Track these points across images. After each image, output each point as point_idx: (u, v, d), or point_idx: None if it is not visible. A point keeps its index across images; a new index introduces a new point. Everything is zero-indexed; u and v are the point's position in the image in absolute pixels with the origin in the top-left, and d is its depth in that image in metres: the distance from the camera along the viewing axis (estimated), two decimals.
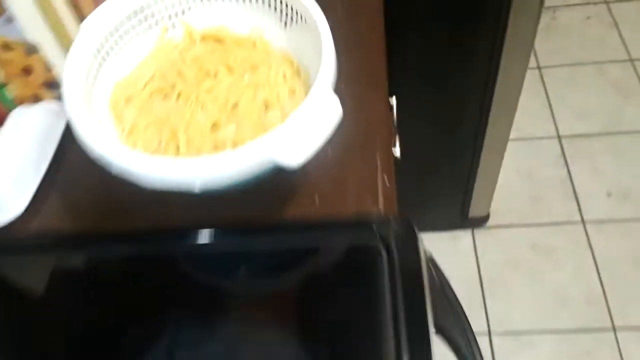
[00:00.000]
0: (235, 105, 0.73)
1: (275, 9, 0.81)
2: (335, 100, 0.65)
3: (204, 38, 0.82)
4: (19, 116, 0.82)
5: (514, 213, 1.88)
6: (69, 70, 0.70)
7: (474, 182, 1.68)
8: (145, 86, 0.77)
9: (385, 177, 0.72)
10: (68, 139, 0.83)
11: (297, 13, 0.77)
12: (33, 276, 0.75)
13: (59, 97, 0.88)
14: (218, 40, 0.82)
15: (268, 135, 0.62)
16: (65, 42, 0.84)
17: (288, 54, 0.80)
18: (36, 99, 0.88)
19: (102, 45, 0.76)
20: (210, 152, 0.69)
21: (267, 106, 0.74)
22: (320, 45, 0.69)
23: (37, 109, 0.82)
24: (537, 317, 1.68)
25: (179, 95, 0.75)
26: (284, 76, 0.76)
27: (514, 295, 1.73)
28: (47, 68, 0.85)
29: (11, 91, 0.86)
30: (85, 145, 0.63)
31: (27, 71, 0.85)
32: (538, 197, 1.91)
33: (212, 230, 0.73)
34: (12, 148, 0.78)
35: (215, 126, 0.72)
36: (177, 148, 0.70)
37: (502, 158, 1.63)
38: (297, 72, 0.78)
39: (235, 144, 0.70)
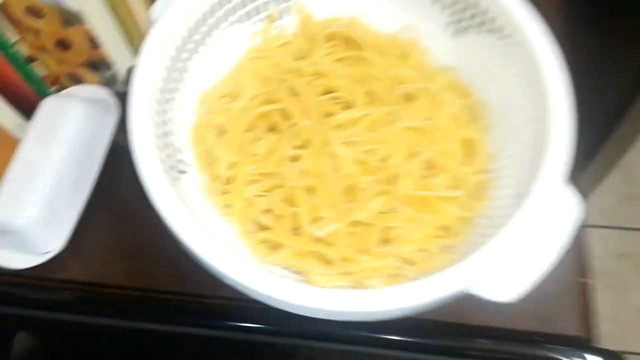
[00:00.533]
0: (384, 160, 0.48)
1: (444, 4, 0.54)
2: (572, 200, 0.42)
3: (330, 37, 0.55)
4: (52, 110, 0.56)
5: None
6: (139, 88, 0.44)
7: None
8: (241, 109, 0.52)
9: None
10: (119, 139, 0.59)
11: (485, 15, 0.51)
12: None
13: (105, 81, 0.62)
14: (350, 42, 0.55)
15: (464, 263, 0.39)
16: (120, 12, 0.57)
17: (457, 77, 0.54)
18: (74, 79, 0.62)
19: (180, 48, 0.49)
20: (343, 241, 0.46)
21: (430, 166, 0.49)
22: (536, 84, 0.45)
23: (76, 102, 0.57)
24: None
25: (292, 126, 0.50)
26: (455, 118, 0.51)
27: None
28: (93, 44, 0.58)
29: (40, 68, 0.59)
30: (173, 233, 0.40)
31: (63, 45, 0.58)
32: None
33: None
34: (44, 159, 0.54)
35: (351, 191, 0.48)
36: (293, 230, 0.47)
37: None
38: (473, 110, 0.53)
39: (384, 233, 0.46)
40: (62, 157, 0.54)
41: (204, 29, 0.51)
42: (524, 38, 0.47)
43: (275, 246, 0.46)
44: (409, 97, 0.51)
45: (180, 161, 0.48)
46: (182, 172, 0.47)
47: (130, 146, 0.42)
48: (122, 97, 0.59)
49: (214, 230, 0.45)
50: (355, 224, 0.46)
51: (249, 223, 0.48)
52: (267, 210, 0.48)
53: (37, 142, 0.55)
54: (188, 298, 0.51)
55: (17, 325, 0.54)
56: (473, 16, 0.52)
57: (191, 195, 0.47)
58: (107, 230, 0.56)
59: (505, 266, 0.40)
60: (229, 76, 0.53)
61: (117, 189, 0.56)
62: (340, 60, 0.54)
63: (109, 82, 0.62)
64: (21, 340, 0.54)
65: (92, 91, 0.61)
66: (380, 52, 0.54)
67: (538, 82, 0.45)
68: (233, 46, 0.55)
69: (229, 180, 0.48)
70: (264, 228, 0.47)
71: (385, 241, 0.47)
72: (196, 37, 0.51)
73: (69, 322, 0.53)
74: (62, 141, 0.55)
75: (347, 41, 0.55)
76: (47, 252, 0.54)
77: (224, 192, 0.48)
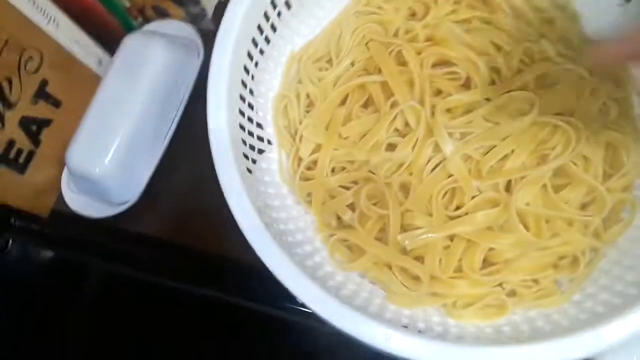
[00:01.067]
0: (502, 161, 0.39)
1: None
2: None
3: None
4: (135, 48, 0.52)
5: None
6: (222, 52, 0.38)
7: None
8: (336, 77, 0.44)
9: None
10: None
11: None
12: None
13: (192, 18, 0.55)
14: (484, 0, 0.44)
15: (599, 330, 0.30)
16: None
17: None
18: (159, 12, 0.56)
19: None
20: (435, 257, 0.38)
21: (559, 174, 0.39)
22: None
23: (160, 41, 0.52)
24: None
25: (393, 105, 0.41)
26: (602, 115, 0.40)
27: None
28: None
29: None
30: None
31: None
32: None
33: None
34: (125, 102, 0.50)
35: (454, 196, 0.40)
36: (378, 232, 0.40)
37: None
38: (625, 106, 0.41)
39: (487, 253, 0.38)
40: (143, 101, 0.50)
41: None
42: None
43: (355, 248, 0.40)
44: (545, 81, 0.41)
45: (260, 138, 0.42)
46: (261, 151, 0.41)
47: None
48: (209, 36, 0.53)
49: (288, 225, 0.39)
50: (453, 237, 0.39)
51: (330, 216, 0.41)
52: (351, 206, 0.41)
53: (119, 82, 0.51)
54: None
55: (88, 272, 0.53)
56: None
57: (267, 179, 0.41)
58: (183, 185, 0.53)
59: None
60: (326, 35, 0.45)
61: (197, 139, 0.51)
62: (463, 22, 0.43)
63: (196, 19, 0.56)
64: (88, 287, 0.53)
65: (177, 27, 0.56)
66: (518, 15, 0.43)
67: None
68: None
69: (311, 164, 0.42)
70: (345, 226, 0.41)
71: (487, 263, 0.39)
72: None
73: (135, 277, 0.52)
74: (143, 84, 0.50)
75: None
76: (122, 203, 0.52)
77: (305, 178, 0.42)
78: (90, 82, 0.54)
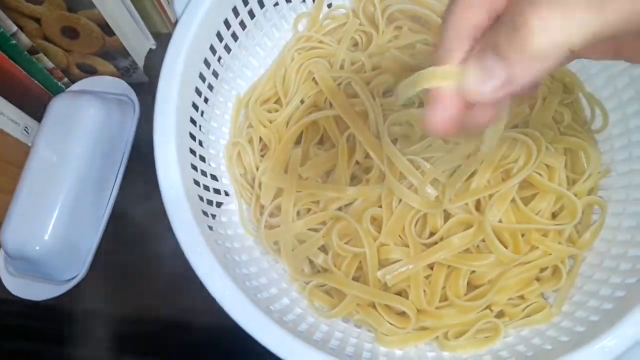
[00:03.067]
0: (467, 181, 0.38)
1: None
2: None
3: (393, 17, 0.44)
4: (64, 108, 0.48)
5: None
6: (164, 107, 0.35)
7: None
8: (287, 123, 0.42)
9: None
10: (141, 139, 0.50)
11: None
12: None
13: (122, 72, 0.52)
14: (419, 22, 0.44)
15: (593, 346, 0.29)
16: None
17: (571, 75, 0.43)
18: (85, 70, 0.53)
19: (212, 47, 0.39)
20: (419, 289, 0.37)
21: (525, 185, 0.39)
22: None
23: (91, 98, 0.48)
24: None
25: (349, 138, 0.40)
26: (557, 120, 0.40)
27: None
28: (105, 30, 0.49)
29: (44, 60, 0.51)
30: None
31: (70, 33, 0.49)
32: None
33: None
34: (60, 169, 0.46)
35: (426, 222, 0.39)
36: (356, 271, 0.38)
37: None
38: (577, 110, 0.42)
39: (469, 276, 0.37)
40: (79, 166, 0.46)
41: (238, 19, 0.41)
42: None
43: (334, 292, 0.38)
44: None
45: (216, 191, 0.39)
46: (219, 204, 0.39)
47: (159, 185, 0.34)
48: (143, 88, 0.51)
49: (260, 279, 0.36)
50: (433, 266, 0.37)
51: (302, 262, 0.39)
52: (323, 248, 0.39)
53: (49, 149, 0.47)
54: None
55: None
56: None
57: (230, 233, 0.38)
58: (134, 250, 0.49)
59: None
60: (271, 75, 0.43)
61: (143, 198, 0.48)
62: (407, 47, 0.43)
63: (127, 72, 0.53)
64: None
65: (107, 83, 0.53)
66: None
67: None
68: (273, 37, 0.44)
69: (275, 210, 0.40)
70: (320, 270, 0.39)
71: (471, 287, 0.38)
72: (231, 30, 0.41)
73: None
74: (77, 148, 0.47)
75: (414, 20, 0.44)
76: (69, 280, 0.47)
77: (270, 226, 0.39)
78: (17, 153, 0.49)
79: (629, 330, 0.29)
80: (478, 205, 0.38)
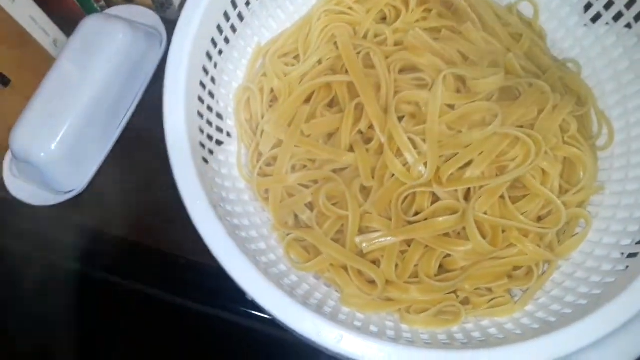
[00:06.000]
0: (462, 169, 0.39)
1: None
2: None
3: (423, 1, 0.44)
4: (94, 29, 0.49)
5: None
6: (183, 38, 0.36)
7: None
8: (302, 74, 0.43)
9: None
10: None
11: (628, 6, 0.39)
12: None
13: (158, 4, 0.54)
14: (450, 9, 0.44)
15: (550, 337, 0.30)
16: None
17: (576, 75, 0.43)
18: None
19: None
20: (392, 262, 0.38)
21: (517, 185, 0.39)
22: None
23: (122, 24, 0.49)
24: None
25: (358, 107, 0.41)
26: (562, 129, 0.41)
27: None
28: None
29: None
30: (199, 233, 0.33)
31: None
32: None
33: None
34: (78, 86, 0.47)
35: (413, 201, 0.39)
36: (335, 234, 0.39)
37: None
38: (585, 123, 0.42)
39: (443, 259, 0.38)
40: (98, 87, 0.47)
41: None
42: None
43: (311, 248, 0.39)
44: (509, 93, 0.41)
45: (220, 130, 0.40)
46: (219, 142, 0.40)
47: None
48: (174, 26, 0.52)
49: (243, 220, 0.38)
50: (411, 242, 0.38)
51: (287, 215, 0.40)
52: (310, 205, 0.40)
53: (73, 64, 0.48)
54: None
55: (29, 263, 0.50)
56: (610, 3, 0.40)
57: (224, 172, 0.39)
58: (133, 178, 0.50)
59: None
60: (295, 30, 0.44)
61: (151, 131, 0.49)
62: (433, 30, 0.43)
63: (162, 7, 0.54)
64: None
65: (141, 14, 0.54)
66: (486, 28, 0.43)
67: None
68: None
69: (271, 160, 0.41)
70: (303, 225, 0.40)
71: (442, 270, 0.38)
72: None
73: (80, 271, 0.49)
74: (99, 68, 0.48)
75: (446, 5, 0.45)
76: (67, 192, 0.49)
77: (264, 174, 0.40)
78: (43, 63, 0.51)
79: (577, 335, 0.30)
80: (467, 195, 0.39)
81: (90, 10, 0.54)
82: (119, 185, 0.51)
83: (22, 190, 0.50)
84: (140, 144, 0.51)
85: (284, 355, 0.47)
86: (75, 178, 0.49)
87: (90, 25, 0.49)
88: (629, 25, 0.39)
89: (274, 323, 0.32)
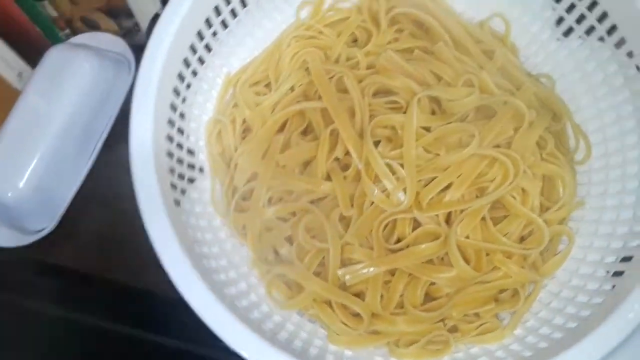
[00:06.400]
0: (442, 192, 0.38)
1: None
2: None
3: (396, 20, 0.44)
4: (60, 59, 0.47)
5: None
6: (148, 75, 0.35)
7: None
8: (275, 103, 0.42)
9: None
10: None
11: (600, 20, 0.39)
12: None
13: (124, 32, 0.52)
14: (421, 29, 0.44)
15: None
16: None
17: (550, 91, 0.43)
18: (88, 25, 0.52)
19: (209, 21, 0.39)
20: (376, 293, 0.37)
21: (497, 205, 0.39)
22: None
23: (88, 53, 0.48)
24: None
25: (333, 133, 0.40)
26: (540, 146, 0.40)
27: None
28: None
29: (50, 9, 0.50)
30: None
31: None
32: None
33: None
34: (45, 120, 0.45)
35: (394, 228, 0.39)
36: (317, 267, 0.38)
37: None
38: (562, 138, 0.42)
39: (428, 288, 0.37)
40: (65, 119, 0.46)
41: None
42: None
43: (293, 284, 0.38)
44: (484, 111, 0.40)
45: (191, 166, 0.39)
46: (191, 180, 0.39)
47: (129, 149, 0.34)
48: (142, 51, 0.50)
49: (221, 261, 0.37)
50: (394, 272, 0.38)
51: (267, 250, 0.39)
52: (289, 239, 0.39)
53: (39, 97, 0.46)
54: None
55: None
56: (582, 17, 0.40)
57: (198, 210, 0.38)
58: (106, 213, 0.49)
59: None
60: (264, 58, 0.43)
61: (123, 163, 0.48)
62: (405, 51, 0.43)
63: (129, 33, 0.53)
64: None
65: (108, 41, 0.52)
66: (458, 46, 0.43)
67: None
68: (274, 20, 0.44)
69: (246, 194, 0.39)
70: (283, 260, 0.39)
71: (428, 298, 0.38)
72: (230, 6, 0.40)
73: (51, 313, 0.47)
74: (66, 100, 0.46)
75: (418, 25, 0.44)
76: (37, 231, 0.47)
77: (240, 209, 0.39)
78: (8, 98, 0.49)
79: None
80: (448, 219, 0.38)
81: (54, 40, 0.52)
82: (92, 221, 0.49)
83: None
84: (112, 176, 0.49)
85: None
86: (45, 216, 0.47)
87: (55, 55, 0.48)
88: (601, 39, 0.39)
89: None
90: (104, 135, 0.49)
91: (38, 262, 0.48)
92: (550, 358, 0.30)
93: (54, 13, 0.51)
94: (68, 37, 0.53)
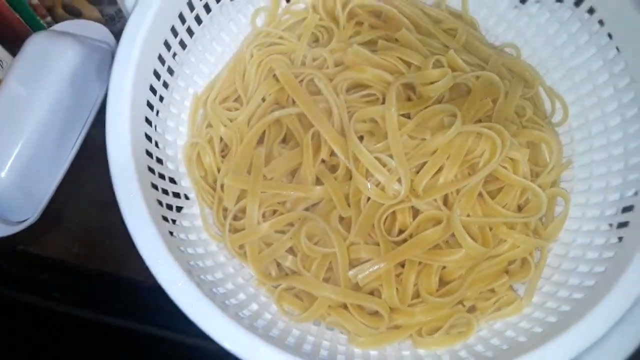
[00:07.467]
0: (434, 177, 0.38)
1: None
2: None
3: (353, 13, 0.43)
4: (41, 47, 0.44)
5: None
6: (118, 104, 0.33)
7: None
8: (249, 122, 0.40)
9: None
10: None
11: None
12: None
13: (107, 18, 0.49)
14: (380, 18, 0.43)
15: (569, 334, 0.29)
16: None
17: (517, 59, 0.43)
18: (70, 12, 0.50)
19: (167, 42, 0.38)
20: (390, 288, 0.36)
21: (491, 179, 0.39)
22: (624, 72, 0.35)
23: (70, 40, 0.45)
24: None
25: (314, 136, 0.39)
26: (518, 115, 0.40)
27: None
28: None
29: None
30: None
31: None
32: None
33: None
34: (26, 107, 0.43)
35: (395, 220, 0.38)
36: (326, 272, 0.37)
37: None
38: (537, 103, 0.42)
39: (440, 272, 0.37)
40: (48, 107, 0.44)
41: (193, 13, 0.39)
42: (616, 15, 0.36)
43: (304, 295, 0.37)
44: (458, 90, 0.40)
45: (177, 195, 0.37)
46: (179, 208, 0.37)
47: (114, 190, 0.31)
48: None
49: (227, 284, 0.35)
50: (404, 263, 0.37)
51: (269, 266, 0.38)
52: (291, 250, 0.38)
53: (20, 86, 0.44)
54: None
55: None
56: None
57: (193, 238, 0.36)
58: (89, 202, 0.47)
59: None
60: (229, 72, 0.42)
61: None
62: (369, 43, 0.42)
63: (112, 19, 0.50)
64: None
65: (91, 28, 0.49)
66: (420, 29, 0.43)
67: (631, 70, 0.35)
68: (231, 32, 0.43)
69: (239, 213, 0.38)
70: (289, 273, 0.37)
71: (442, 283, 0.37)
72: (186, 24, 0.39)
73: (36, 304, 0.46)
74: (48, 88, 0.44)
75: (375, 15, 0.43)
76: (20, 222, 0.44)
77: (235, 230, 0.38)
78: None
79: (599, 321, 0.29)
80: (446, 201, 0.38)
81: (36, 27, 0.49)
82: (75, 210, 0.47)
83: None
84: (97, 164, 0.47)
85: None
86: (28, 206, 0.45)
87: (36, 43, 0.45)
88: (559, 0, 0.39)
89: None
90: (89, 123, 0.46)
91: (21, 252, 0.46)
92: (579, 320, 0.30)
93: (34, 0, 0.48)
94: (50, 24, 0.50)
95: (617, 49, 0.37)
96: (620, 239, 0.34)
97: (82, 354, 0.46)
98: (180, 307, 0.29)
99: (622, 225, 0.34)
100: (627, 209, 0.35)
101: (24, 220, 0.44)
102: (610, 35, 0.37)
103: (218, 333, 0.29)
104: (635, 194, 0.35)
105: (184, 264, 0.31)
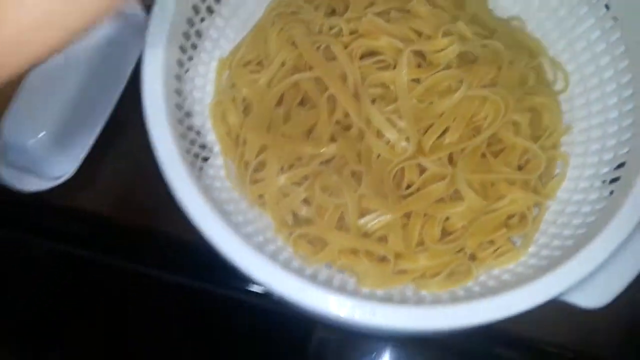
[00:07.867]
0: (441, 137, 0.41)
1: None
2: None
3: None
4: None
5: None
6: (152, 62, 0.37)
7: None
8: (269, 79, 0.44)
9: None
10: None
11: None
12: None
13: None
14: None
15: (556, 272, 0.32)
16: None
17: (522, 31, 0.46)
18: None
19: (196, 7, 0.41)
20: (397, 236, 0.39)
21: (494, 141, 0.42)
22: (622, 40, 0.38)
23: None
24: None
25: (329, 99, 0.42)
26: (522, 83, 0.43)
27: None
28: None
29: None
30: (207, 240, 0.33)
31: None
32: None
33: None
34: (64, 72, 0.48)
35: (403, 175, 0.41)
36: (338, 222, 0.40)
37: None
38: (540, 72, 0.45)
39: (443, 223, 0.40)
40: (82, 73, 0.49)
41: None
42: None
43: (317, 241, 0.40)
44: (465, 58, 0.43)
45: (202, 146, 0.41)
46: (205, 159, 0.40)
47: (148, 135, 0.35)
48: None
49: (248, 228, 0.38)
50: (410, 215, 0.40)
51: (286, 215, 0.41)
52: (306, 201, 0.41)
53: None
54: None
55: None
56: None
57: (218, 185, 0.40)
58: (125, 159, 0.51)
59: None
60: (252, 38, 0.45)
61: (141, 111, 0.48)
62: (382, 14, 0.45)
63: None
64: None
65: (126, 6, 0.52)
66: (431, 1, 0.45)
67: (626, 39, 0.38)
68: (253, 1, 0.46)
69: (259, 166, 0.41)
70: (303, 221, 0.41)
71: (445, 233, 0.40)
72: None
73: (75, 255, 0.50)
74: (83, 53, 0.49)
75: None
76: (58, 177, 0.48)
77: (255, 181, 0.41)
78: None
79: (591, 256, 0.32)
80: (451, 160, 0.41)
81: None
82: (109, 168, 0.51)
83: (14, 177, 0.48)
84: (129, 126, 0.50)
85: (280, 328, 0.49)
86: (65, 163, 0.48)
87: None
88: None
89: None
90: (122, 86, 0.49)
91: (58, 206, 0.50)
92: (567, 260, 0.33)
93: None
94: None
95: (614, 18, 0.39)
96: (611, 192, 0.36)
97: (115, 300, 0.50)
98: (211, 241, 0.32)
99: (614, 180, 0.37)
100: (620, 165, 0.37)
101: (61, 176, 0.48)
102: (607, 6, 0.40)
103: (246, 262, 0.32)
104: (628, 152, 0.37)
105: (210, 200, 0.34)
